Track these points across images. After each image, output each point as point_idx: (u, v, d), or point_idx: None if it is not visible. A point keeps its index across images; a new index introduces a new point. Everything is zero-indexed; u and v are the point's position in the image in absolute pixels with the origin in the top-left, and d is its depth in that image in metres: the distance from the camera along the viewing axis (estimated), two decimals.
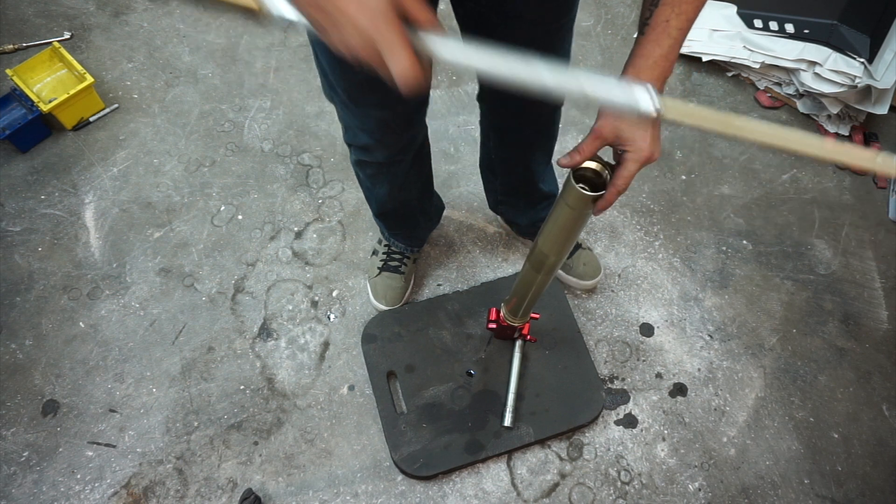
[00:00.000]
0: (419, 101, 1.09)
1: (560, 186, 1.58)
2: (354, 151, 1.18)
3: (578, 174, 0.86)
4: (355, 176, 1.32)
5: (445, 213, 1.76)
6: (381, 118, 1.03)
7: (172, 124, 1.83)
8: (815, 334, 1.68)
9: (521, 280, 1.21)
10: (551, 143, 1.41)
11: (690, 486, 1.47)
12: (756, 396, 1.58)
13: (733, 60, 2.03)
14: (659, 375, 1.59)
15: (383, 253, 1.57)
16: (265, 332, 1.57)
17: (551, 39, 1.05)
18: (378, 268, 1.56)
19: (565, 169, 0.84)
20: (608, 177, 0.84)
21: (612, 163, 0.85)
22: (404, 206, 1.38)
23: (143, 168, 1.75)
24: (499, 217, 1.71)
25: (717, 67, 2.10)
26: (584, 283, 1.64)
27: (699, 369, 1.61)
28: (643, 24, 0.78)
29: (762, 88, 2.06)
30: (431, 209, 1.50)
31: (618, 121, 0.78)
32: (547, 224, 0.99)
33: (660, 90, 0.77)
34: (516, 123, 1.31)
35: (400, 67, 0.54)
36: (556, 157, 1.51)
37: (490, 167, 1.50)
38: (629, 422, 1.53)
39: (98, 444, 1.42)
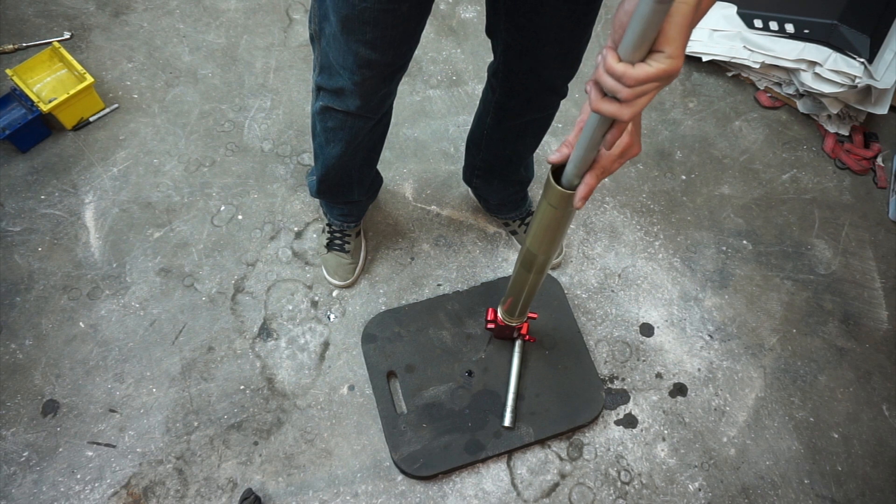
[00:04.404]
0: (404, 51, 1.09)
1: (531, 174, 1.60)
2: (324, 96, 1.16)
3: (560, 173, 0.86)
4: (311, 130, 1.33)
5: (445, 213, 1.76)
6: (366, 57, 1.02)
7: (172, 124, 1.83)
8: (815, 334, 1.68)
9: (514, 280, 1.22)
10: (544, 132, 1.43)
11: (690, 486, 1.47)
12: (756, 396, 1.58)
13: (733, 60, 2.03)
14: (659, 375, 1.59)
15: (327, 232, 1.63)
16: (265, 332, 1.57)
17: (578, 21, 1.07)
18: (325, 246, 1.63)
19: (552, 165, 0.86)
20: None
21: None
22: (346, 174, 1.41)
23: (143, 168, 1.75)
24: (470, 190, 1.73)
25: (717, 67, 2.10)
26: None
27: (699, 369, 1.61)
28: None
29: (762, 88, 2.06)
30: (369, 181, 1.53)
31: None
32: (533, 224, 1.00)
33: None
34: (521, 107, 1.32)
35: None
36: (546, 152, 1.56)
37: (477, 141, 1.51)
38: (629, 422, 1.53)
39: (98, 444, 1.42)
